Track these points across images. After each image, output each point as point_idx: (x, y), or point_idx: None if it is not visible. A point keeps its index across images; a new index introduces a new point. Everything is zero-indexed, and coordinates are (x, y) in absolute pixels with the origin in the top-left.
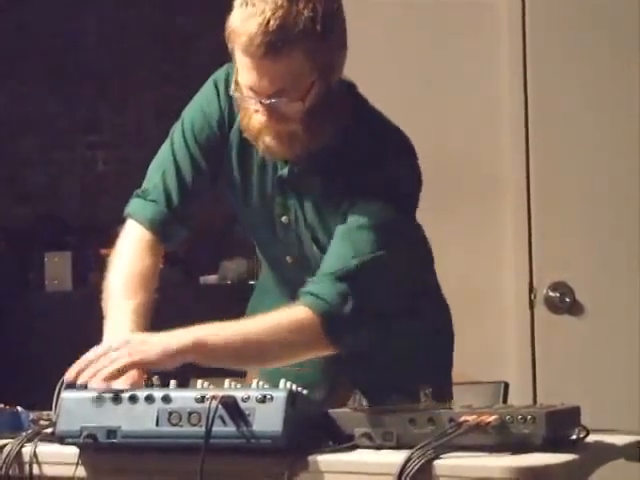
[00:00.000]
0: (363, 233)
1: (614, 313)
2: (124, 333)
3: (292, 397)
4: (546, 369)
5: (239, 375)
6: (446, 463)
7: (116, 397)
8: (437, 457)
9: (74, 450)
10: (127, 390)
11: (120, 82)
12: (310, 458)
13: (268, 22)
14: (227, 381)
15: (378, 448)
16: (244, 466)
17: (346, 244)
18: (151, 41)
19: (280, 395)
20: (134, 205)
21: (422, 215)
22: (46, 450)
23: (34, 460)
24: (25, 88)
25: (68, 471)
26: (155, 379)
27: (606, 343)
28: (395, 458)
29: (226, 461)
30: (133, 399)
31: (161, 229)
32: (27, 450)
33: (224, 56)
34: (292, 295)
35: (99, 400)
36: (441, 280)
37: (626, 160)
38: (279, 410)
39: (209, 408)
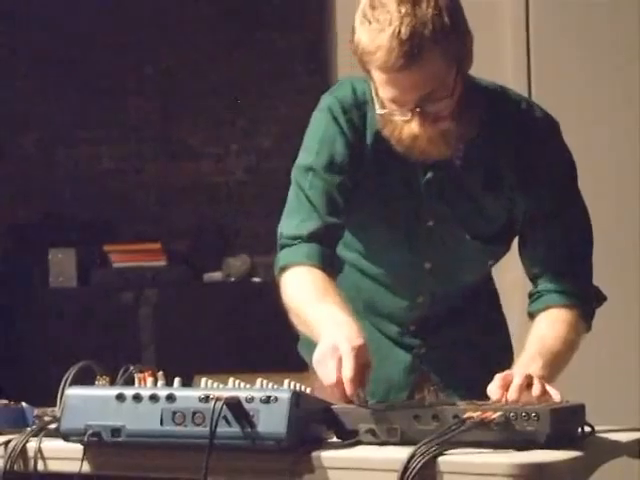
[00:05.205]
0: (578, 233)
1: (615, 310)
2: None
3: (296, 397)
4: None
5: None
6: (450, 459)
7: (120, 395)
8: (441, 453)
9: (79, 446)
10: (131, 389)
11: (122, 79)
12: (314, 454)
13: (399, 32)
14: (231, 380)
15: (382, 444)
16: (247, 463)
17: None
18: (153, 38)
19: (284, 396)
20: (285, 256)
21: None
22: (50, 446)
23: (39, 456)
24: (26, 85)
25: (72, 467)
26: (160, 375)
27: (608, 340)
28: (399, 454)
29: (229, 458)
30: (137, 398)
31: (322, 261)
32: (32, 446)
33: (223, 53)
34: (414, 298)
35: (103, 398)
36: None
37: (628, 159)
38: (283, 411)
39: (213, 409)
